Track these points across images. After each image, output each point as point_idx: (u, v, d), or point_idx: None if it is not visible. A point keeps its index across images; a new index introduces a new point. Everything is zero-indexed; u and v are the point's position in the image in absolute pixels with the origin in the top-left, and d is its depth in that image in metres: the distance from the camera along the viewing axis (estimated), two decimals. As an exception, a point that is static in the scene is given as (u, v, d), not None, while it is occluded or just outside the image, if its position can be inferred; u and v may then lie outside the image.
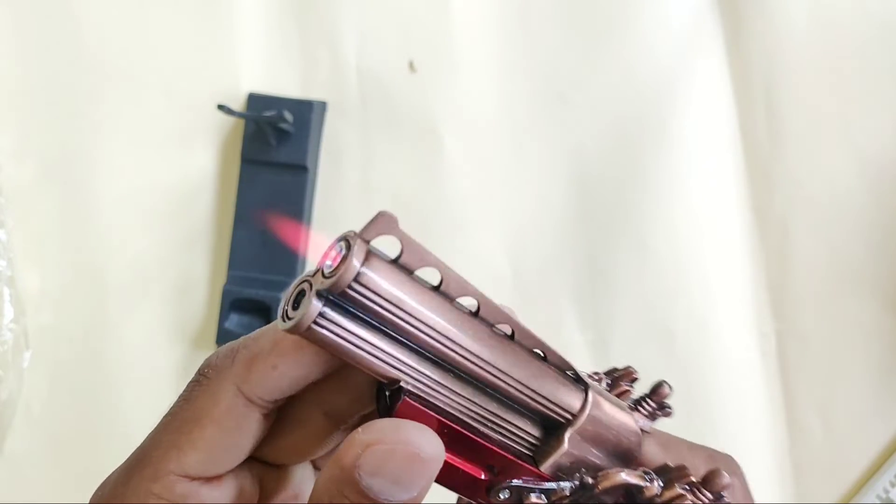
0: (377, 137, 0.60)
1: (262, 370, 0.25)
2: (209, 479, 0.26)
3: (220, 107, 0.55)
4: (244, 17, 0.61)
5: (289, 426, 0.28)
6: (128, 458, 0.27)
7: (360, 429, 0.24)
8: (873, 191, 0.59)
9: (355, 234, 0.23)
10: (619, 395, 0.30)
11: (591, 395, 0.27)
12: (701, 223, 0.60)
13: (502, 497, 0.27)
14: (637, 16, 0.61)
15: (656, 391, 0.30)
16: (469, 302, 0.25)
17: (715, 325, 0.59)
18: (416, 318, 0.24)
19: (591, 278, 0.59)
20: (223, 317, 0.56)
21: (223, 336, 0.56)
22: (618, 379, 0.30)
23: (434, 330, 0.24)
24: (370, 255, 0.23)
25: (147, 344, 0.59)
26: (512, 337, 0.26)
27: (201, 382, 0.27)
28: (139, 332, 0.59)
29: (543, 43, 0.61)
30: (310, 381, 0.26)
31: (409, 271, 0.24)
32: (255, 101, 0.58)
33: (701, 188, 0.60)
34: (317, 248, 0.47)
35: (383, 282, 0.23)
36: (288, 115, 0.56)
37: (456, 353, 0.25)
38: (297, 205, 0.58)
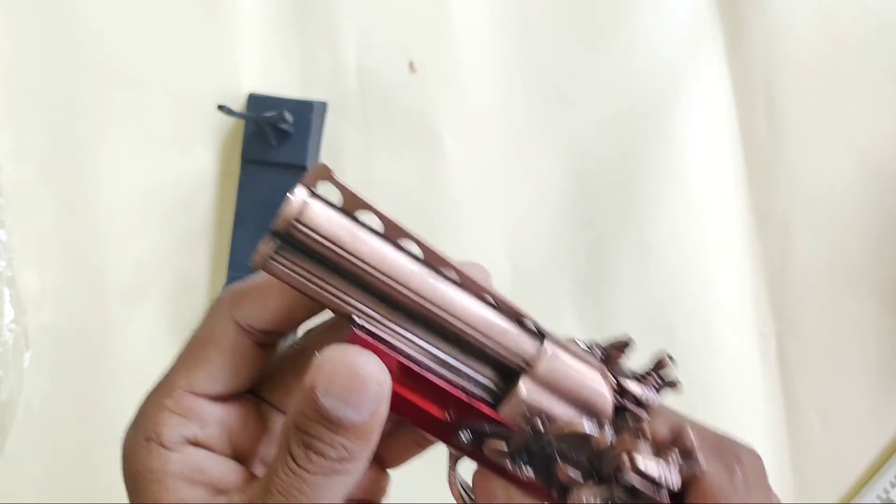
0: (377, 137, 0.60)
1: (250, 301, 0.30)
2: (214, 398, 0.30)
3: (221, 107, 0.55)
4: (244, 18, 0.61)
5: (292, 371, 0.31)
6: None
7: (316, 353, 0.26)
8: (873, 191, 0.59)
9: (299, 182, 0.26)
10: (608, 362, 0.30)
11: (546, 344, 0.28)
12: (701, 223, 0.60)
13: (464, 439, 0.28)
14: (637, 16, 0.61)
15: (658, 363, 0.30)
16: (414, 247, 0.27)
17: (715, 325, 0.59)
18: (357, 255, 0.26)
19: (591, 278, 0.59)
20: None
21: (223, 336, 0.56)
22: (611, 347, 0.30)
23: (375, 267, 0.26)
24: (311, 198, 0.26)
25: (147, 344, 0.59)
26: (459, 283, 0.27)
27: (207, 313, 0.31)
28: (139, 332, 0.59)
29: (543, 43, 0.61)
30: (297, 319, 0.30)
31: (350, 215, 0.26)
32: (255, 101, 0.58)
33: (701, 188, 0.60)
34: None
35: (322, 220, 0.26)
36: (288, 116, 0.56)
37: (399, 291, 0.26)
38: (297, 205, 0.58)
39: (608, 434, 0.27)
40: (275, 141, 0.57)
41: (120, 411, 0.60)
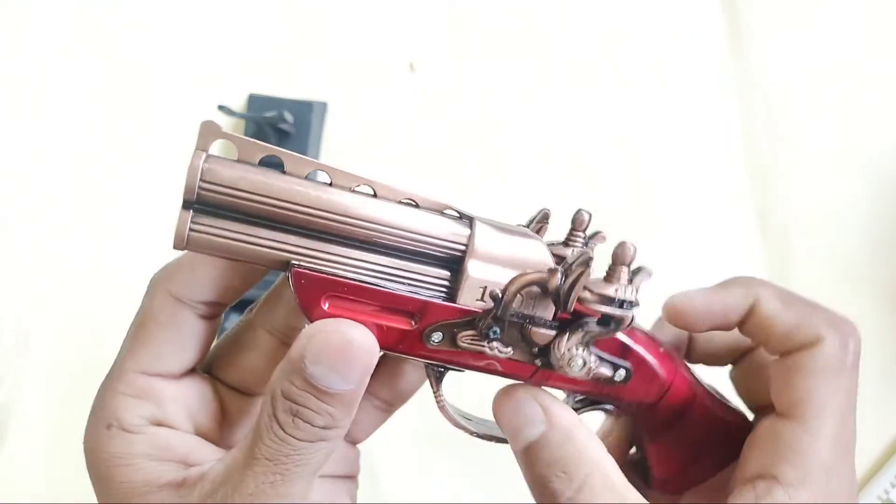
0: (377, 138, 0.60)
1: (183, 274, 0.30)
2: (166, 377, 0.30)
3: (221, 107, 0.55)
4: (245, 18, 0.61)
5: (240, 348, 0.32)
6: None
7: (306, 325, 0.27)
8: (873, 192, 0.59)
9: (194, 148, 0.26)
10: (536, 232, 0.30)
11: (476, 223, 0.29)
12: (701, 223, 0.60)
13: (436, 340, 0.29)
14: (638, 17, 0.61)
15: (575, 220, 0.31)
16: (322, 176, 0.27)
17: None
18: (271, 196, 0.26)
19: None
20: (223, 317, 0.56)
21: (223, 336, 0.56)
22: (532, 221, 0.31)
23: (293, 203, 0.27)
24: (209, 157, 0.26)
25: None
26: (375, 195, 0.28)
27: (145, 294, 0.31)
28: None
29: (543, 43, 0.61)
30: (233, 286, 0.30)
31: (251, 163, 0.27)
32: (255, 101, 0.58)
33: (702, 189, 0.60)
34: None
35: (227, 171, 0.26)
36: (288, 116, 0.56)
37: (323, 218, 0.27)
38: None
39: (559, 276, 0.28)
40: (275, 141, 0.57)
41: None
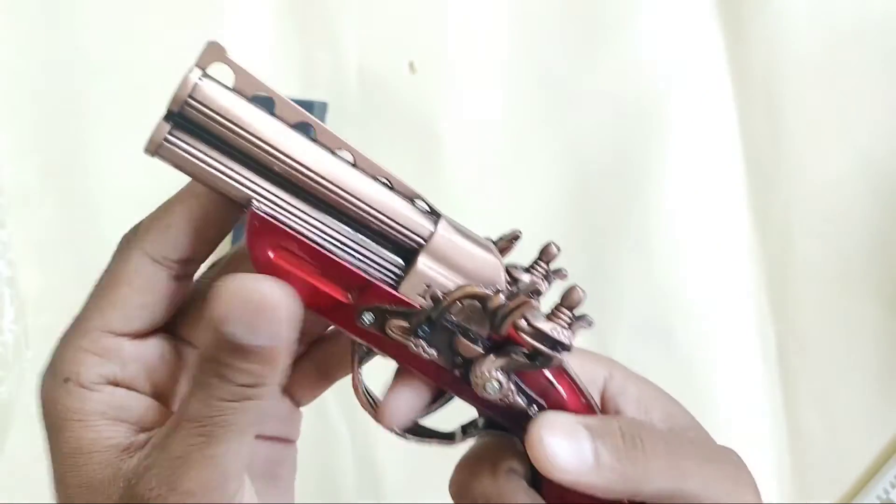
0: (377, 137, 0.60)
1: (158, 232, 0.30)
2: (132, 337, 0.30)
3: (221, 107, 0.55)
4: (245, 18, 0.61)
5: (204, 306, 0.30)
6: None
7: (216, 283, 0.26)
8: (873, 191, 0.59)
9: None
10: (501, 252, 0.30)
11: (442, 221, 0.29)
12: (701, 223, 0.60)
13: (367, 320, 0.29)
14: (637, 16, 0.61)
15: (543, 251, 0.31)
16: (307, 129, 0.28)
17: (715, 326, 0.59)
18: (251, 132, 0.26)
19: (592, 278, 0.59)
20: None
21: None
22: (499, 240, 0.31)
23: (270, 144, 0.27)
24: (204, 77, 0.26)
25: (147, 344, 0.59)
26: (354, 164, 0.28)
27: (116, 252, 0.31)
28: (139, 332, 0.59)
29: (543, 44, 0.61)
30: (208, 239, 0.30)
31: (245, 96, 0.27)
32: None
33: (701, 188, 0.60)
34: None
35: (216, 97, 0.26)
36: (288, 116, 0.56)
37: (295, 170, 0.27)
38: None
39: (502, 297, 0.28)
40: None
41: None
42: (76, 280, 0.59)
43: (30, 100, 0.60)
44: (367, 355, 0.31)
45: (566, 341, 0.29)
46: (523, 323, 0.28)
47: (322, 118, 0.60)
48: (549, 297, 0.29)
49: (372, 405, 0.32)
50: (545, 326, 0.28)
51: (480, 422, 0.32)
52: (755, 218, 0.60)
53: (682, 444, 0.30)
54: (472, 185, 0.60)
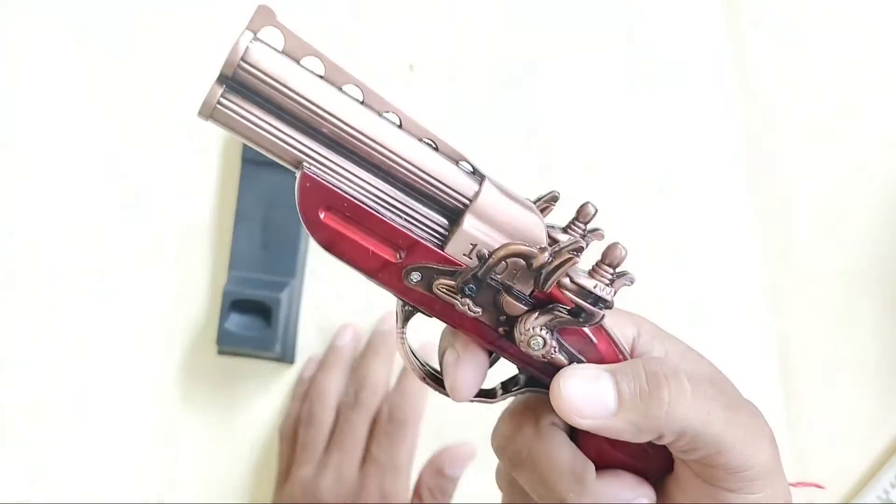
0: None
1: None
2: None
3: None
4: (245, 16, 0.61)
5: None
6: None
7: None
8: (873, 191, 0.59)
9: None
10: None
11: (486, 181, 0.29)
12: (701, 223, 0.60)
13: (414, 279, 0.29)
14: (638, 17, 0.61)
15: (580, 211, 0.32)
16: (356, 91, 0.28)
17: (715, 326, 0.59)
18: (303, 97, 0.27)
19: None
20: (223, 317, 0.56)
21: (224, 336, 0.56)
22: (538, 199, 0.32)
23: (322, 110, 0.27)
24: (255, 40, 0.27)
25: (147, 343, 0.59)
26: (400, 125, 0.29)
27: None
28: (139, 331, 0.59)
29: (543, 44, 0.61)
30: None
31: (295, 59, 0.27)
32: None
33: (701, 188, 0.60)
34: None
35: (268, 61, 0.27)
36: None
37: (345, 132, 0.28)
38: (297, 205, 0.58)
39: (546, 255, 0.29)
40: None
41: (119, 411, 0.60)
42: (77, 280, 0.59)
43: (33, 99, 0.60)
44: (411, 314, 0.31)
45: (608, 298, 0.29)
46: (567, 280, 0.29)
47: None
48: (587, 256, 0.30)
49: (419, 366, 0.33)
50: (588, 283, 0.29)
51: (521, 379, 0.33)
52: (755, 218, 0.60)
53: (706, 389, 0.30)
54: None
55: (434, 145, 0.29)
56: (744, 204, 0.60)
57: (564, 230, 0.31)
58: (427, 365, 0.34)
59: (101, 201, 0.60)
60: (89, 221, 0.60)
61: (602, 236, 0.32)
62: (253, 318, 0.57)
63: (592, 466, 0.32)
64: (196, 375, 0.59)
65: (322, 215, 0.28)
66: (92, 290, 0.59)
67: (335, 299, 0.59)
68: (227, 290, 0.56)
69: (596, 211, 0.32)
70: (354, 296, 0.59)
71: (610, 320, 0.32)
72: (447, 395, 0.32)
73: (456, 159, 0.29)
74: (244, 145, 0.57)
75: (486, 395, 0.33)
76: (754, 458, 0.30)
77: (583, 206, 0.32)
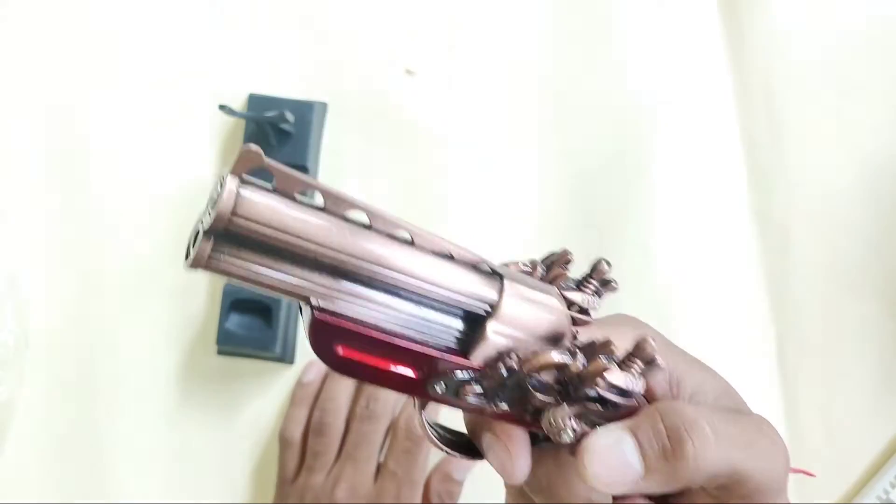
0: (377, 138, 0.60)
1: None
2: None
3: (222, 107, 0.55)
4: (245, 18, 0.61)
5: None
6: None
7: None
8: (873, 191, 0.59)
9: (227, 170, 0.24)
10: (553, 280, 0.31)
11: (506, 283, 0.28)
12: (701, 224, 0.60)
13: (439, 390, 0.28)
14: (636, 17, 0.61)
15: (595, 269, 0.31)
16: (361, 216, 0.26)
17: (715, 326, 0.59)
18: (304, 238, 0.25)
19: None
20: (223, 317, 0.56)
21: (224, 336, 0.56)
22: (553, 264, 0.31)
23: (326, 246, 0.25)
24: (243, 186, 0.24)
25: (147, 344, 0.59)
26: (412, 242, 0.27)
27: None
28: (139, 331, 0.59)
29: (542, 46, 0.61)
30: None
31: (289, 196, 0.25)
32: (255, 101, 0.58)
33: (701, 189, 0.60)
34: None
35: (261, 209, 0.24)
36: (289, 116, 0.56)
37: (354, 262, 0.26)
38: (297, 205, 0.58)
39: (580, 360, 0.28)
40: (275, 141, 0.57)
41: (119, 411, 0.60)
42: (76, 281, 0.59)
43: (33, 99, 0.60)
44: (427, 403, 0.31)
45: (639, 390, 0.29)
46: (602, 380, 0.28)
47: (322, 119, 0.60)
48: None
49: (448, 443, 0.32)
50: (620, 381, 0.28)
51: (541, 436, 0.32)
52: (755, 218, 0.60)
53: (726, 428, 0.30)
54: (471, 186, 0.60)
55: (449, 254, 0.28)
56: (743, 204, 0.60)
57: (578, 287, 0.31)
58: (450, 434, 0.33)
59: (100, 201, 0.60)
60: (89, 221, 0.59)
61: (615, 288, 0.32)
62: (253, 318, 0.57)
63: (610, 496, 0.31)
64: (196, 375, 0.59)
65: (339, 351, 0.27)
66: (92, 290, 0.59)
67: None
68: (227, 290, 0.56)
69: (610, 267, 0.31)
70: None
71: (607, 329, 0.31)
72: (479, 459, 0.32)
73: (473, 263, 0.28)
74: (244, 142, 0.58)
75: None
76: (772, 481, 0.30)
77: (597, 264, 0.31)
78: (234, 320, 0.57)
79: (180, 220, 0.60)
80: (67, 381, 0.59)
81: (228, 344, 0.57)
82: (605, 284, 0.31)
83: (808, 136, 0.60)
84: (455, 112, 0.60)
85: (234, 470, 0.59)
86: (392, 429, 0.57)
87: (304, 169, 0.58)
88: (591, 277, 0.31)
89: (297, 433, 0.57)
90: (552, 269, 0.31)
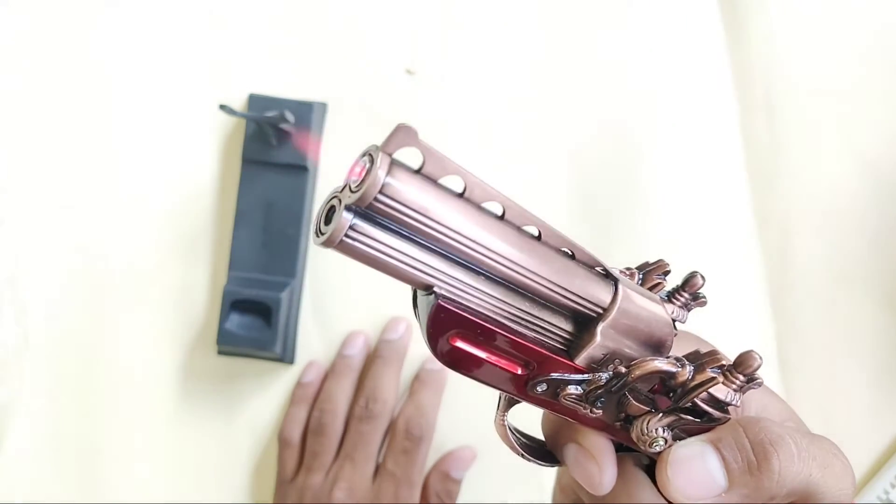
0: (377, 138, 0.60)
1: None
2: None
3: (222, 107, 0.55)
4: (245, 19, 0.61)
5: None
6: None
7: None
8: (873, 191, 0.59)
9: (377, 147, 0.24)
10: (650, 288, 0.31)
11: (621, 288, 0.28)
12: (701, 223, 0.60)
13: (539, 390, 0.28)
14: (636, 17, 0.61)
15: (688, 282, 0.31)
16: (495, 206, 0.26)
17: (715, 326, 0.59)
18: (443, 225, 0.25)
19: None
20: (223, 317, 0.56)
21: (224, 336, 0.56)
22: (650, 272, 0.31)
23: (461, 235, 0.25)
24: (393, 166, 0.24)
25: (147, 344, 0.59)
26: (539, 237, 0.27)
27: None
28: (139, 332, 0.59)
29: (542, 45, 0.61)
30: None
31: (433, 180, 0.25)
32: (255, 101, 0.58)
33: (701, 189, 0.60)
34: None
35: (408, 191, 0.24)
36: (289, 116, 0.56)
37: (484, 255, 0.26)
38: (297, 205, 0.58)
39: (688, 372, 0.28)
40: (275, 141, 0.57)
41: (119, 411, 0.60)
42: (76, 281, 0.59)
43: (32, 99, 0.60)
44: (515, 402, 0.30)
45: (737, 403, 0.29)
46: (706, 393, 0.28)
47: (322, 119, 0.60)
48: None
49: (524, 447, 0.32)
50: (721, 394, 0.28)
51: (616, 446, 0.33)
52: (755, 218, 0.60)
53: (807, 447, 0.30)
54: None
55: (571, 254, 0.28)
56: (743, 204, 0.60)
57: (669, 299, 0.31)
58: (528, 439, 0.33)
59: (100, 201, 0.60)
60: (89, 222, 0.60)
61: (705, 304, 0.32)
62: (253, 318, 0.57)
63: None
64: (196, 375, 0.59)
65: (455, 342, 0.27)
66: (92, 290, 0.59)
67: (336, 299, 0.59)
68: (227, 290, 0.56)
69: (704, 282, 0.31)
70: (356, 296, 0.59)
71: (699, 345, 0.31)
72: (555, 465, 0.32)
73: (591, 265, 0.28)
74: (244, 145, 0.58)
75: None
76: (840, 500, 0.30)
77: (691, 277, 0.31)
78: (234, 320, 0.56)
79: (180, 220, 0.60)
80: (67, 381, 0.59)
81: (228, 344, 0.57)
82: (696, 299, 0.31)
83: (808, 136, 0.60)
84: (455, 112, 0.60)
85: (233, 470, 0.59)
86: (391, 429, 0.57)
87: (303, 169, 0.58)
88: (683, 290, 0.31)
89: (296, 433, 0.57)
90: (648, 278, 0.31)
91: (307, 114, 0.58)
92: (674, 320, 0.30)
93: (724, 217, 0.60)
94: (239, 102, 0.59)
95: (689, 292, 0.31)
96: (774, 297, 0.59)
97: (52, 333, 0.59)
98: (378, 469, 0.56)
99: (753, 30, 0.60)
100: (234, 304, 0.56)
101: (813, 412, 0.59)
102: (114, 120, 0.60)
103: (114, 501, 0.58)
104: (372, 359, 0.58)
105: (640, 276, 0.31)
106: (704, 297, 0.31)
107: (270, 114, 0.56)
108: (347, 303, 0.59)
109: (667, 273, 0.31)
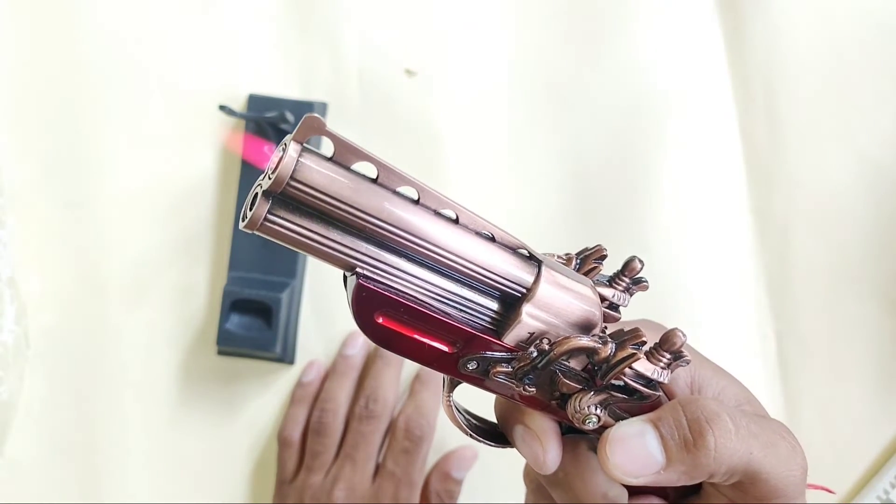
0: (377, 138, 0.60)
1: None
2: None
3: (222, 107, 0.55)
4: (245, 19, 0.61)
5: None
6: None
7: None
8: (873, 191, 0.59)
9: (290, 137, 0.25)
10: (587, 273, 0.31)
11: (543, 269, 0.29)
12: (701, 223, 0.60)
13: (470, 367, 0.29)
14: (636, 17, 0.61)
15: (627, 266, 0.32)
16: (410, 191, 0.27)
17: (715, 326, 0.59)
18: (354, 207, 0.26)
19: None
20: (223, 317, 0.56)
21: (223, 336, 0.56)
22: (587, 257, 0.32)
23: (374, 217, 0.26)
24: (304, 153, 0.25)
25: (147, 344, 0.59)
26: (457, 220, 0.28)
27: None
28: (140, 331, 0.59)
29: (542, 45, 0.61)
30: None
31: (345, 166, 0.26)
32: (255, 101, 0.58)
33: (701, 189, 0.60)
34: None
35: (319, 175, 0.26)
36: (289, 116, 0.56)
37: (399, 236, 0.27)
38: (297, 205, 0.58)
39: (610, 349, 0.29)
40: (275, 141, 0.57)
41: (119, 411, 0.60)
42: (77, 280, 0.59)
43: (32, 99, 0.60)
44: (458, 383, 0.31)
45: (665, 381, 0.30)
46: (627, 369, 0.29)
47: (322, 118, 0.60)
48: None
49: (473, 427, 0.33)
50: (647, 371, 0.29)
51: (563, 427, 0.33)
52: (755, 218, 0.60)
53: (747, 425, 0.30)
54: (471, 186, 0.60)
55: (491, 236, 0.29)
56: (743, 204, 0.60)
57: (609, 283, 0.31)
58: (477, 420, 0.34)
59: (100, 201, 0.60)
60: (89, 222, 0.60)
61: (646, 287, 0.32)
62: (253, 318, 0.57)
63: (626, 492, 0.32)
64: (196, 375, 0.59)
65: (379, 320, 0.28)
66: (92, 290, 0.59)
67: (336, 299, 0.59)
68: (227, 290, 0.56)
69: (642, 266, 0.32)
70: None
71: (643, 325, 0.32)
72: (504, 447, 0.33)
73: (514, 247, 0.29)
74: (244, 145, 0.58)
75: None
76: (789, 486, 0.30)
77: (630, 261, 0.32)
78: (234, 320, 0.56)
79: (180, 220, 0.60)
80: (67, 381, 0.59)
81: (228, 344, 0.57)
82: (637, 283, 0.32)
83: (808, 136, 0.60)
84: (455, 112, 0.60)
85: (233, 470, 0.59)
86: (391, 429, 0.57)
87: (303, 169, 0.58)
88: (623, 275, 0.32)
89: (296, 433, 0.57)
90: (586, 262, 0.32)
91: (307, 113, 0.58)
92: (615, 304, 0.31)
93: (725, 217, 0.60)
94: (239, 102, 0.59)
95: (629, 276, 0.32)
96: (774, 297, 0.59)
97: (52, 333, 0.59)
98: (378, 469, 0.56)
99: (753, 30, 0.60)
100: (234, 304, 0.56)
101: (813, 412, 0.59)
102: (114, 120, 0.60)
103: (114, 501, 0.58)
104: (372, 359, 0.58)
105: (578, 261, 0.32)
106: (646, 280, 0.32)
107: (270, 114, 0.56)
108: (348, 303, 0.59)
109: (603, 258, 0.32)
